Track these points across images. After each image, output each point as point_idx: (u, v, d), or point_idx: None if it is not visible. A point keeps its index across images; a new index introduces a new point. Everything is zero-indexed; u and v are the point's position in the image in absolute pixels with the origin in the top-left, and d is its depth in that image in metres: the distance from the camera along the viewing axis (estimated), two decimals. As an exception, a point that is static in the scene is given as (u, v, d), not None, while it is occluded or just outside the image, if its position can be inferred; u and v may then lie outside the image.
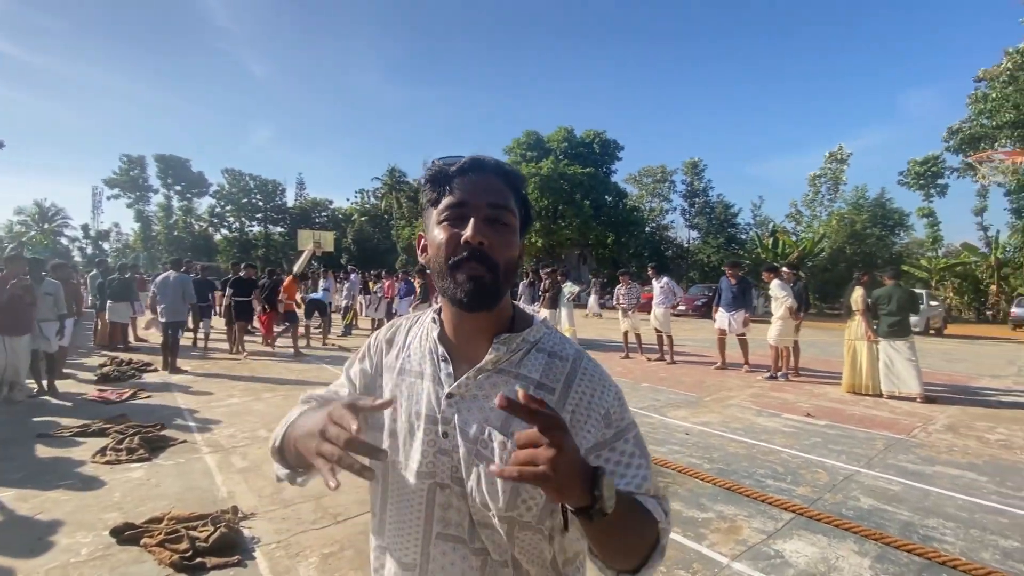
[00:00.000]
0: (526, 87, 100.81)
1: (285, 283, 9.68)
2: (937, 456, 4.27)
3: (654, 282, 8.63)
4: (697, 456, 4.15)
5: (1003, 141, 27.37)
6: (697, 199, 45.28)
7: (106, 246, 52.66)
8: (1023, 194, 29.33)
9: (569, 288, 10.16)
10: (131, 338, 10.09)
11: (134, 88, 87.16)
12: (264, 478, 3.57)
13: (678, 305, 8.72)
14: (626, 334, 9.05)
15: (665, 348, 8.76)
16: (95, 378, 6.80)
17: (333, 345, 10.49)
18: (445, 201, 0.75)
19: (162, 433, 4.42)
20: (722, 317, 8.17)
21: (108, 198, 50.44)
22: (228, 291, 8.64)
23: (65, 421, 4.82)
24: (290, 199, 55.51)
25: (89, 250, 49.78)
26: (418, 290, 11.52)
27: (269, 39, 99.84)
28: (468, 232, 0.71)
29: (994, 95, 27.10)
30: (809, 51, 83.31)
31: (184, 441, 4.30)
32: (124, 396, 5.75)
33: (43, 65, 78.44)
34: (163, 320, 7.47)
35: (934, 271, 28.62)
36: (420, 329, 0.88)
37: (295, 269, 23.69)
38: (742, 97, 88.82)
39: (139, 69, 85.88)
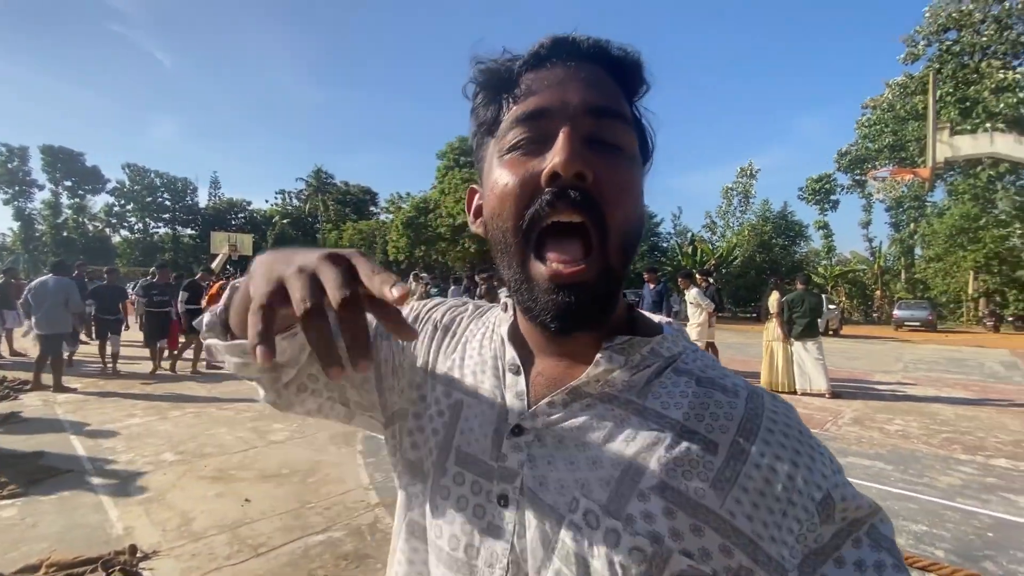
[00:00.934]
0: (455, 92, 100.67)
1: (212, 289, 8.81)
2: (848, 448, 4.61)
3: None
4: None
5: (883, 161, 30.94)
6: (624, 208, 47.29)
7: (-24, 247, 46.10)
8: (900, 210, 33.34)
9: (506, 295, 10.12)
10: (6, 351, 8.79)
11: (12, 71, 77.39)
12: (170, 508, 3.15)
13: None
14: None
15: None
16: (-45, 400, 5.80)
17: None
18: (513, 112, 0.44)
19: (41, 463, 3.80)
20: None
21: (-21, 193, 44.26)
22: (182, 295, 7.73)
23: (-88, 453, 4.03)
24: (203, 199, 51.59)
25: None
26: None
27: (175, 25, 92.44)
28: (557, 157, 0.39)
29: (876, 120, 30.68)
30: (722, 73, 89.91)
31: (70, 471, 3.72)
32: (-7, 420, 4.92)
33: None
34: (38, 332, 6.50)
35: (829, 277, 31.68)
36: (487, 324, 0.56)
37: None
38: (663, 111, 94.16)
39: (18, 50, 76.46)
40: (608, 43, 0.45)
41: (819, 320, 7.47)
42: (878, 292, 31.37)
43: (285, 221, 53.52)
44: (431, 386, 0.54)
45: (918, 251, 32.39)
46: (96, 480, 3.58)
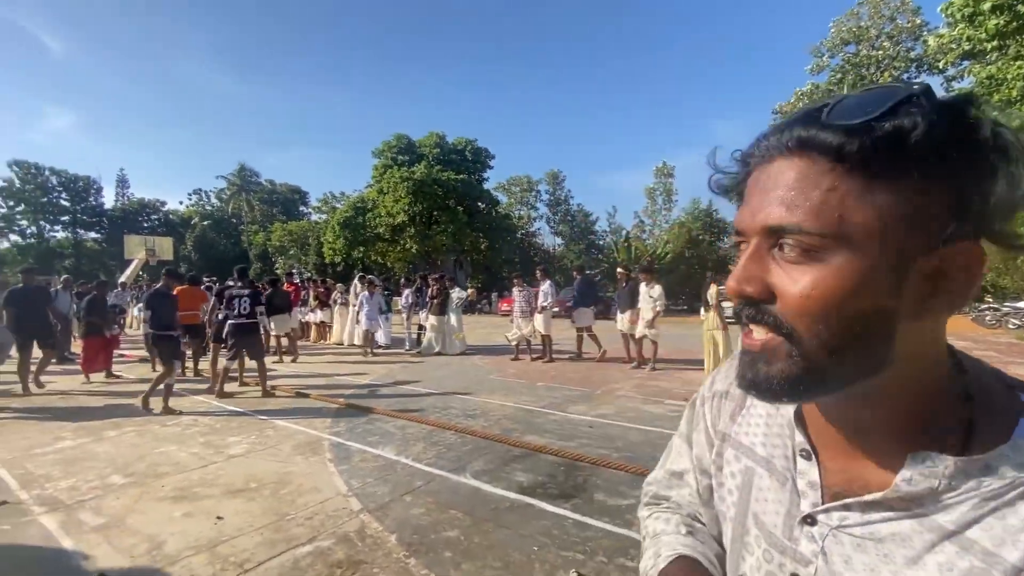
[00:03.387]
0: (392, 90, 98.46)
1: (177, 291, 7.89)
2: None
3: (541, 285, 8.99)
4: (605, 447, 4.39)
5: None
6: (560, 207, 48.48)
7: None
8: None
9: (457, 294, 10.12)
10: None
11: None
12: (134, 533, 2.93)
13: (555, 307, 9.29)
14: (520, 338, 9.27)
15: (534, 346, 9.41)
16: None
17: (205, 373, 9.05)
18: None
19: (-35, 496, 3.40)
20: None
21: None
22: (213, 303, 7.10)
23: None
24: (109, 200, 47.11)
25: None
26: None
27: (65, 5, 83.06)
28: (731, 278, 0.44)
29: (786, 126, 33.24)
30: (648, 76, 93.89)
31: (4, 502, 3.35)
32: None
33: None
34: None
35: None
36: None
37: (122, 279, 20.21)
38: (593, 113, 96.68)
39: None
40: (819, 124, 0.39)
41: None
42: (793, 283, 34.12)
43: (205, 223, 50.02)
44: (723, 448, 0.60)
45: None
46: (38, 510, 3.25)
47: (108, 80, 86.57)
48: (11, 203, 41.71)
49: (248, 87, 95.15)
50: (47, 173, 42.88)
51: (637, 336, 8.29)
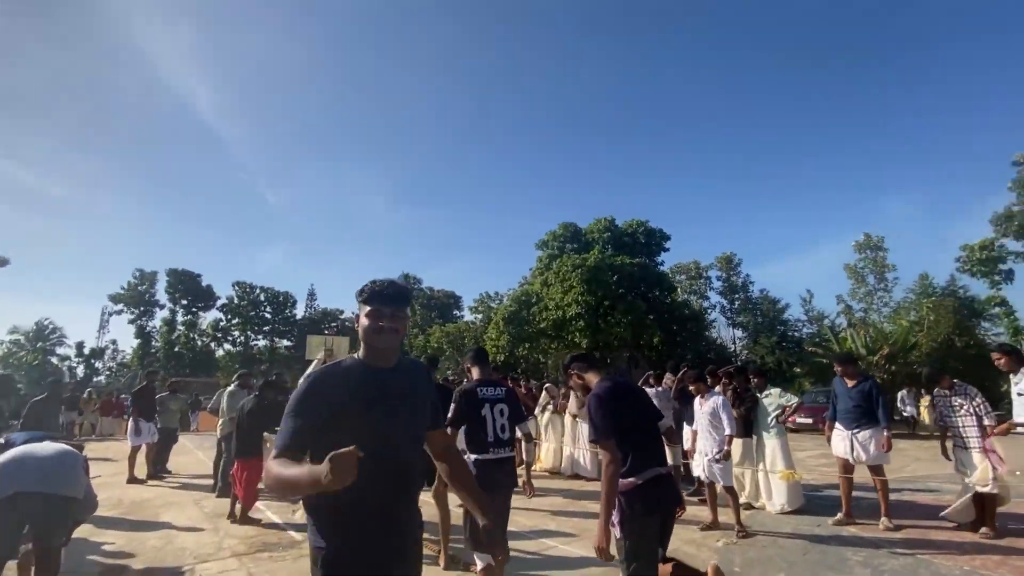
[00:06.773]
0: (527, 200, 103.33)
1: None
2: None
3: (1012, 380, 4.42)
4: None
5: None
6: (737, 295, 42.11)
7: (99, 364, 48.91)
8: None
9: (776, 399, 5.89)
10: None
11: (155, 216, 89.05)
12: None
13: (1016, 427, 4.36)
14: (974, 494, 4.58)
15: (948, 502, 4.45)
16: None
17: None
18: None
19: None
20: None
21: (110, 315, 48.04)
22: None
23: None
24: (300, 311, 52.82)
25: (80, 369, 45.98)
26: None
27: (282, 171, 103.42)
28: None
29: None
30: (800, 158, 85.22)
31: None
32: None
33: (62, 195, 79.96)
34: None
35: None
36: None
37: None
38: (755, 193, 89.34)
39: (161, 202, 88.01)
40: None
41: None
42: None
43: (375, 328, 53.13)
44: None
45: None
46: None
47: (305, 220, 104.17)
48: (229, 316, 48.53)
49: (408, 213, 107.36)
50: (258, 291, 49.73)
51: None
